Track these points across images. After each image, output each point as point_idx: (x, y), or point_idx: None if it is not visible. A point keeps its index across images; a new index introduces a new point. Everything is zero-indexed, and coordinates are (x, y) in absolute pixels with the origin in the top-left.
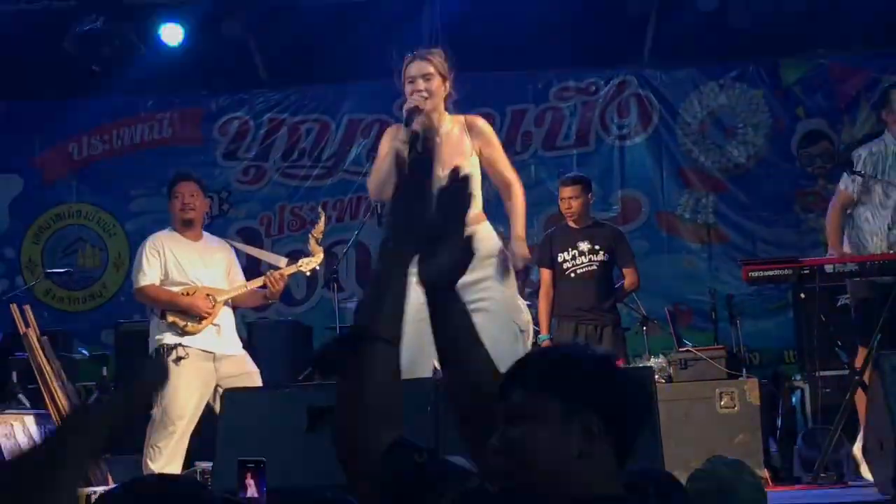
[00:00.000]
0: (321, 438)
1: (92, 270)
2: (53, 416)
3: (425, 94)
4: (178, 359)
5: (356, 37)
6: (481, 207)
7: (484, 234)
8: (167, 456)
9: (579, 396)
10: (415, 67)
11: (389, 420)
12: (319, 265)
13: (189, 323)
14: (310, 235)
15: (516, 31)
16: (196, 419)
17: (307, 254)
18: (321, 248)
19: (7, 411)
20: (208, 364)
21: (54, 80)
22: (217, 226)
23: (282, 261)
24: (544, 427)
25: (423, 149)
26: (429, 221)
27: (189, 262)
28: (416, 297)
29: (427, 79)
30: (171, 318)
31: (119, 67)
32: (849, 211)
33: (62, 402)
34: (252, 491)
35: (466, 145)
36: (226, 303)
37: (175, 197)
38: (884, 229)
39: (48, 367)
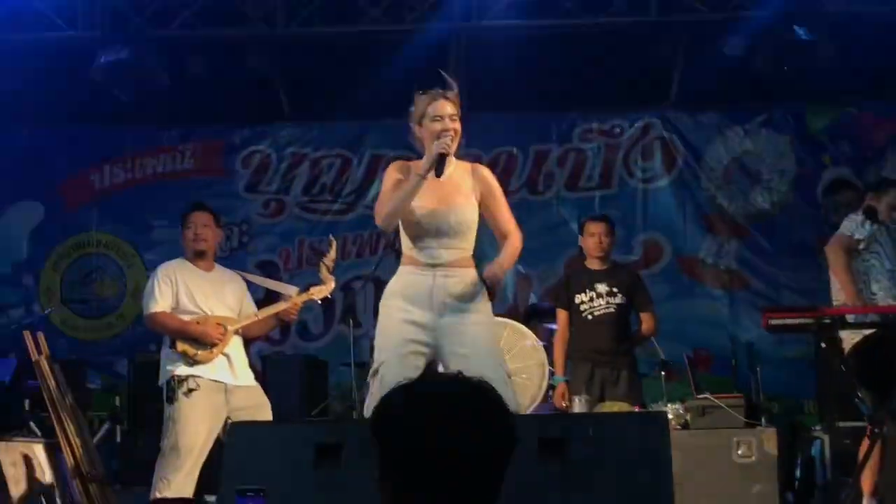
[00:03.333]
0: (327, 475)
1: (110, 300)
2: (63, 446)
3: (451, 135)
4: (190, 391)
5: (380, 73)
6: (472, 252)
7: (468, 280)
8: (175, 489)
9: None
10: (446, 106)
11: None
12: (331, 293)
13: (199, 352)
14: (321, 263)
15: (541, 71)
16: (206, 451)
17: (319, 283)
18: (332, 277)
19: (16, 439)
20: (220, 395)
21: (78, 109)
22: (236, 258)
23: (292, 290)
24: None
25: None
26: None
27: (200, 292)
28: (400, 329)
29: (453, 119)
30: (181, 347)
31: (143, 98)
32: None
33: (72, 431)
34: None
35: (467, 187)
36: (237, 332)
37: (187, 227)
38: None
39: (59, 396)
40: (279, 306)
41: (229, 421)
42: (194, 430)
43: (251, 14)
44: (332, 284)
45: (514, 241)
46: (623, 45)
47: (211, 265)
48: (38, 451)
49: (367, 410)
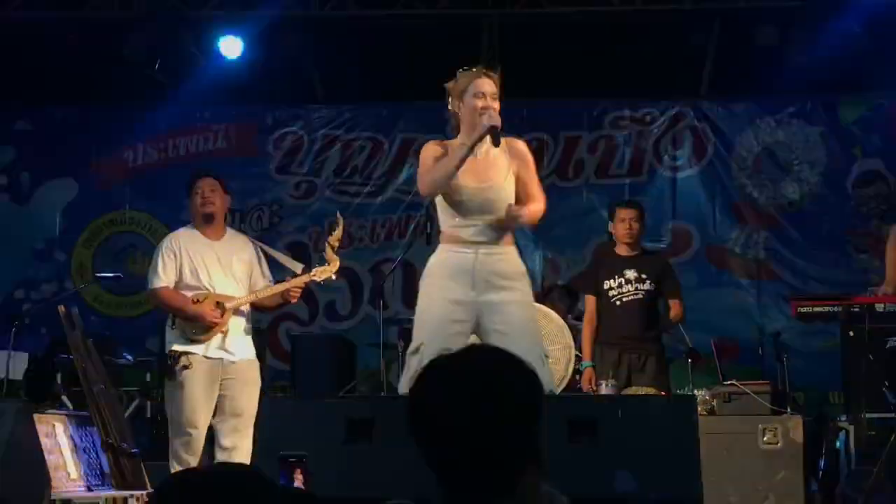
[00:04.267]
0: (358, 450)
1: (141, 277)
2: (94, 420)
3: (492, 112)
4: (184, 367)
5: (413, 57)
6: (511, 231)
7: (509, 257)
8: (185, 464)
9: None
10: (487, 84)
11: None
12: (335, 274)
13: (196, 331)
14: (326, 243)
15: (573, 58)
16: (207, 425)
17: (325, 262)
18: (336, 258)
19: (49, 411)
20: (214, 372)
21: (113, 88)
22: (266, 239)
23: (298, 267)
24: None
25: None
26: None
27: (205, 266)
28: (442, 308)
29: (494, 98)
30: (179, 325)
31: (177, 78)
32: None
33: (103, 405)
34: (299, 485)
35: (505, 163)
36: (236, 311)
37: (195, 193)
38: None
39: (92, 370)
40: (281, 286)
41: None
42: (192, 406)
43: None
44: (336, 265)
45: (539, 204)
46: (656, 33)
47: (220, 232)
48: (71, 424)
49: (403, 388)
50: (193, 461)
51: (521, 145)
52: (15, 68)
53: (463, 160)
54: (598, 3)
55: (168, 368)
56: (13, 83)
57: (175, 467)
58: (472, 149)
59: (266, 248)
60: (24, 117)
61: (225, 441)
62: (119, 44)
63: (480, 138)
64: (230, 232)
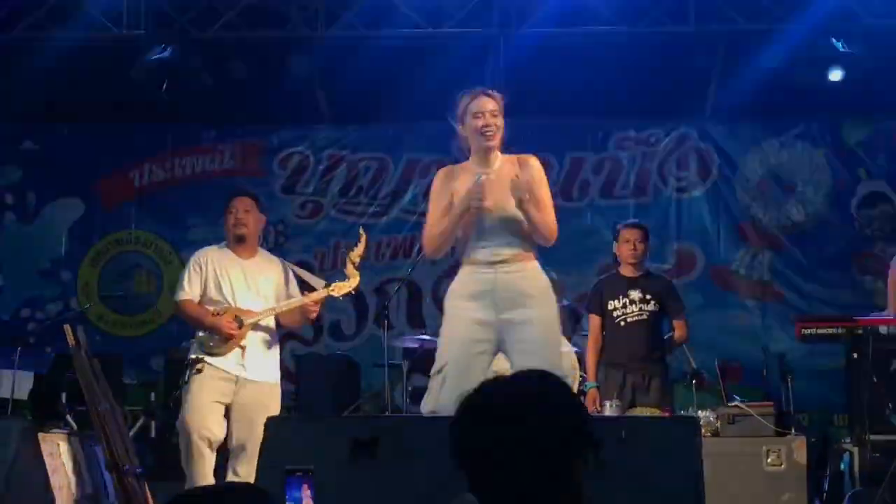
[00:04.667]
0: (362, 470)
1: (146, 296)
2: (99, 439)
3: (493, 130)
4: (197, 372)
5: (419, 78)
6: (530, 247)
7: (530, 273)
8: (198, 476)
9: None
10: (484, 102)
11: None
12: (354, 289)
13: (214, 343)
14: (347, 258)
15: (578, 79)
16: (221, 437)
17: (344, 277)
18: (357, 273)
19: (54, 430)
20: (228, 385)
21: (119, 108)
22: None
23: (320, 283)
24: None
25: None
26: None
27: (228, 280)
28: (466, 329)
29: (494, 115)
30: (199, 336)
31: (184, 98)
32: None
33: (108, 425)
34: (307, 500)
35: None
36: (255, 327)
37: (229, 212)
38: None
39: (97, 389)
40: (299, 300)
41: (231, 412)
42: (200, 417)
43: (292, 17)
44: (356, 281)
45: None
46: (661, 55)
47: (252, 252)
48: (75, 444)
49: (424, 408)
50: (198, 467)
51: (533, 162)
52: (22, 88)
53: (457, 221)
54: (603, 24)
55: (184, 377)
56: (20, 103)
57: (185, 482)
58: (463, 213)
59: (295, 268)
60: (30, 137)
61: (240, 469)
62: (126, 63)
63: (467, 209)
64: (262, 252)
